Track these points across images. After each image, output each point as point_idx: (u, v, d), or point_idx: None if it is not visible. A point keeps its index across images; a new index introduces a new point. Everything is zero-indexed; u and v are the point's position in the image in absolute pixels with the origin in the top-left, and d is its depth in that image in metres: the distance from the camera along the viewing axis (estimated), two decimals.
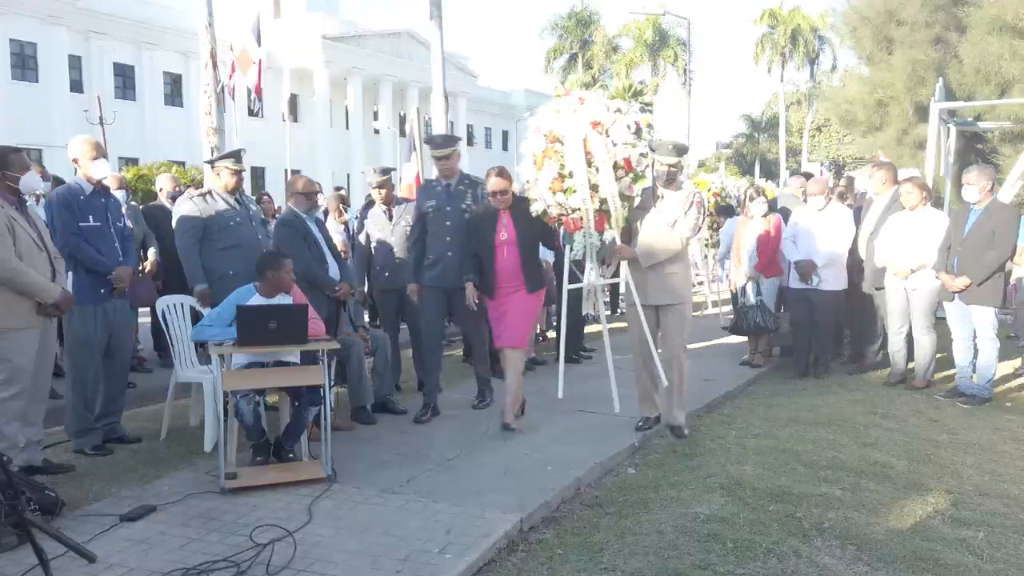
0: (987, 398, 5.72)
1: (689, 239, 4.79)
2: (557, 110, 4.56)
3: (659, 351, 4.91)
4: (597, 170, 4.38)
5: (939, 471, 4.22)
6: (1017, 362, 6.94)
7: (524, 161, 4.73)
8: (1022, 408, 5.59)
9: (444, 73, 12.66)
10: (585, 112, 4.43)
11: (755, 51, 42.58)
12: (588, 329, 7.93)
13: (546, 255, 6.70)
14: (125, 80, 30.48)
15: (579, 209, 4.51)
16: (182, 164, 26.71)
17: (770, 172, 44.14)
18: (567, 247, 4.82)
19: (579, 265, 4.97)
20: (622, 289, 5.20)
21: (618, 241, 4.71)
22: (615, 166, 4.42)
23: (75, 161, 4.40)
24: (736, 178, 18.85)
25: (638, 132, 4.51)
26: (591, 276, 4.83)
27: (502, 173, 4.94)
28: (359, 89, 35.98)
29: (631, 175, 4.51)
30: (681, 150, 4.78)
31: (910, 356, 6.29)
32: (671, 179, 4.78)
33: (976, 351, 5.76)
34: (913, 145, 12.01)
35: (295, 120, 31.54)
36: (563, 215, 4.60)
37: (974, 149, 12.06)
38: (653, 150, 4.64)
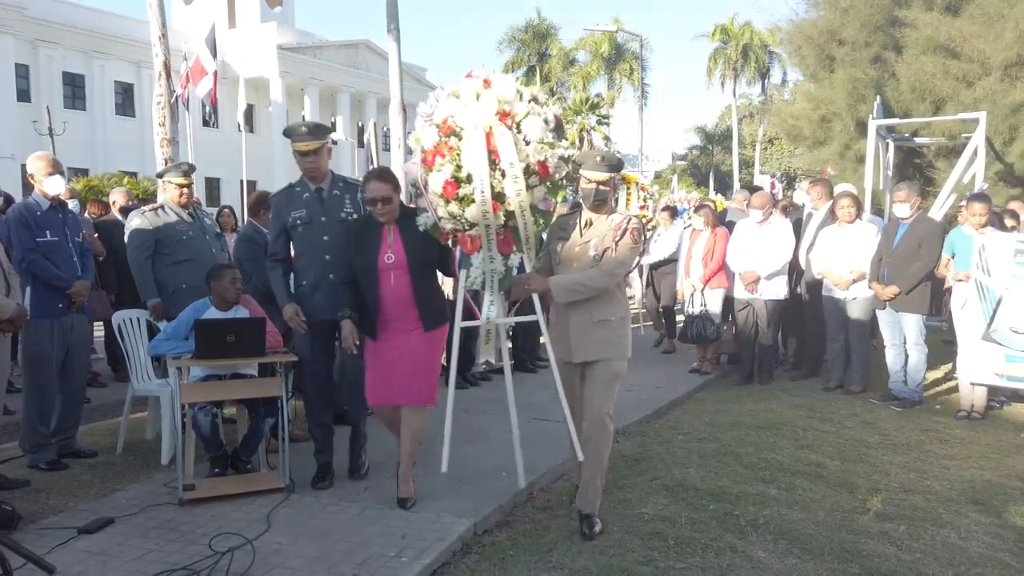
0: (918, 401, 6.05)
1: (621, 275, 3.74)
2: (455, 93, 3.50)
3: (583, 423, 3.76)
4: (503, 174, 3.37)
5: (869, 470, 4.48)
6: (948, 366, 7.31)
7: (413, 158, 3.73)
8: (950, 410, 5.92)
9: (402, 84, 12.78)
10: (491, 98, 3.40)
11: (708, 65, 43.58)
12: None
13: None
14: (75, 89, 29.99)
15: (477, 224, 3.49)
16: (134, 175, 26.31)
17: (724, 183, 45.12)
18: (462, 272, 3.72)
19: (478, 297, 3.90)
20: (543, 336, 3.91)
21: (528, 266, 3.71)
22: (527, 170, 3.41)
23: (31, 177, 4.43)
24: (689, 191, 19.34)
25: (558, 130, 3.54)
26: (491, 312, 3.73)
27: (384, 176, 3.85)
28: (316, 100, 35.92)
29: (547, 184, 3.50)
30: (613, 164, 3.71)
31: (847, 362, 6.61)
32: (601, 201, 3.70)
33: (907, 357, 6.09)
34: (855, 159, 12.49)
35: (251, 130, 31.31)
36: (458, 231, 3.56)
37: (912, 163, 12.60)
38: (578, 164, 3.68)
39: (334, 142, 4.38)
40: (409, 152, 3.65)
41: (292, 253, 4.30)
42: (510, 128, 3.39)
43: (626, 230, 3.65)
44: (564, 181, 3.59)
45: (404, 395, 3.90)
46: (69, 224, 4.58)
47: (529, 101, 3.48)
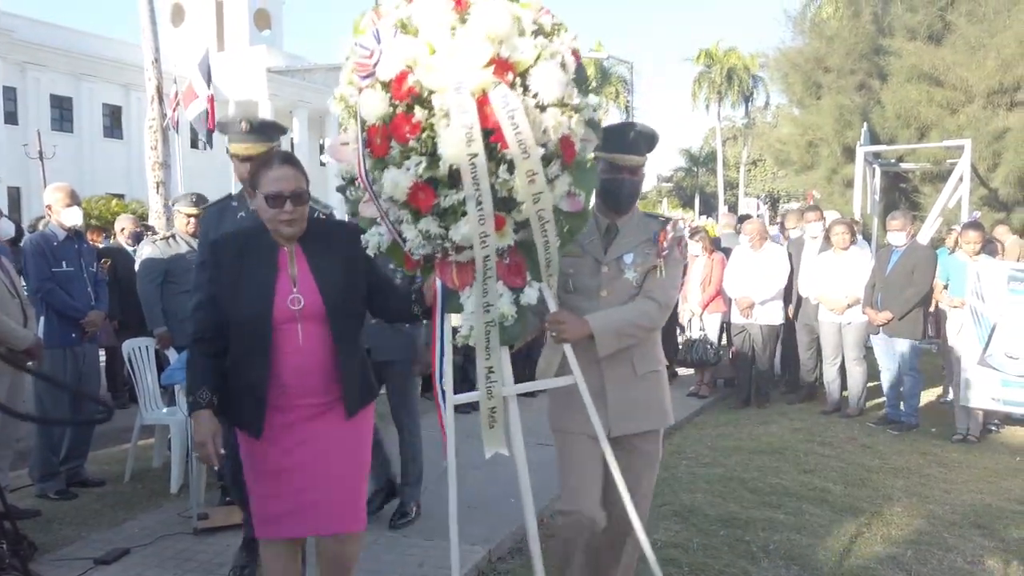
0: (914, 424, 6.16)
1: (672, 305, 2.73)
2: (407, 26, 2.06)
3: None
4: (511, 168, 2.05)
5: (872, 494, 4.57)
6: (940, 390, 7.44)
7: (340, 135, 2.27)
8: (946, 434, 6.03)
9: None
10: (477, 36, 1.99)
11: (693, 88, 44.30)
12: None
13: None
14: (62, 112, 29.94)
15: (470, 247, 2.14)
16: (121, 197, 26.23)
17: (709, 204, 45.63)
18: (442, 320, 2.33)
19: (470, 354, 2.42)
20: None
21: (551, 304, 2.41)
22: (546, 156, 2.09)
23: (48, 208, 4.49)
24: (680, 213, 19.58)
25: (579, 78, 2.18)
26: (491, 382, 2.31)
27: (289, 160, 2.41)
28: (305, 122, 36.03)
29: (571, 169, 2.19)
30: (650, 140, 2.65)
31: (844, 386, 6.72)
32: (632, 195, 2.67)
33: (901, 380, 6.21)
34: (842, 183, 12.74)
35: None
36: (438, 257, 2.25)
37: (898, 188, 12.86)
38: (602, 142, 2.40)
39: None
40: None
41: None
42: (513, 86, 2.03)
43: (673, 240, 2.66)
44: (591, 159, 2.31)
45: (318, 520, 2.44)
46: (84, 254, 4.63)
47: (533, 33, 2.08)
